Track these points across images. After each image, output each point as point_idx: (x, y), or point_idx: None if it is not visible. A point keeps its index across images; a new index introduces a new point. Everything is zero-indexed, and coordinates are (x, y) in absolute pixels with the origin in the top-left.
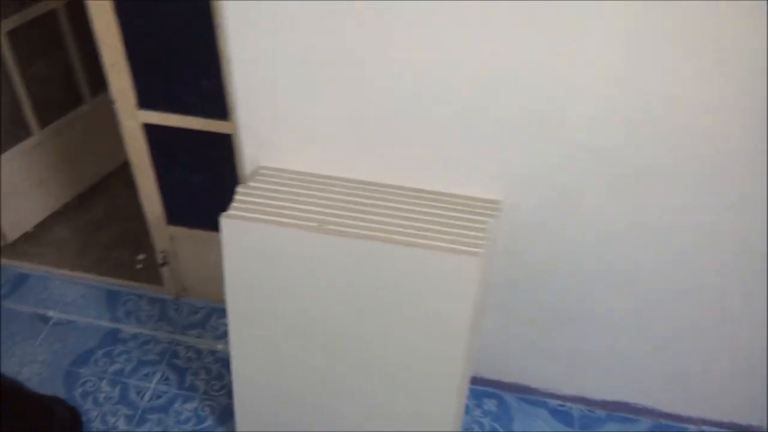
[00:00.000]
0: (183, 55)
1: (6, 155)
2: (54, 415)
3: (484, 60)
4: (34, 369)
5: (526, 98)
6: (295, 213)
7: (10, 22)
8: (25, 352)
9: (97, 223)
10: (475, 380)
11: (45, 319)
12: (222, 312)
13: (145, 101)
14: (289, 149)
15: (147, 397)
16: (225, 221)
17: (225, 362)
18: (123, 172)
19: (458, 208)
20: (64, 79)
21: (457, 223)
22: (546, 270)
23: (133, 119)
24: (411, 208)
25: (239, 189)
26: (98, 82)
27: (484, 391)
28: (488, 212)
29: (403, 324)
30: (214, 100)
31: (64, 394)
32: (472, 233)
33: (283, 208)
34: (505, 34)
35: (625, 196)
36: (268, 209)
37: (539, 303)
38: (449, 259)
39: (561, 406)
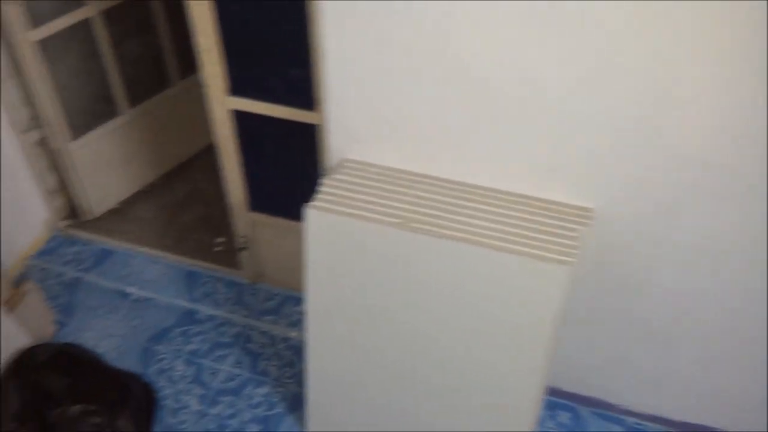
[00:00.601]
0: (275, 44)
1: (95, 132)
2: (131, 391)
3: (584, 62)
4: (113, 343)
5: (627, 104)
6: (380, 208)
7: (105, 2)
8: (105, 326)
9: (180, 204)
10: (550, 391)
11: (125, 295)
12: (296, 300)
13: (235, 87)
14: (377, 143)
15: (220, 378)
16: (309, 212)
17: (297, 350)
18: (207, 155)
19: (549, 214)
20: (154, 60)
21: (548, 229)
22: (635, 284)
23: (222, 105)
24: (500, 211)
25: (324, 180)
26: (187, 65)
27: (559, 402)
28: (580, 220)
29: (484, 329)
30: (303, 90)
31: (140, 370)
32: (563, 241)
33: (367, 202)
34: (605, 36)
35: (726, 213)
36: (353, 202)
37: (625, 317)
38: (539, 266)
39: (638, 424)
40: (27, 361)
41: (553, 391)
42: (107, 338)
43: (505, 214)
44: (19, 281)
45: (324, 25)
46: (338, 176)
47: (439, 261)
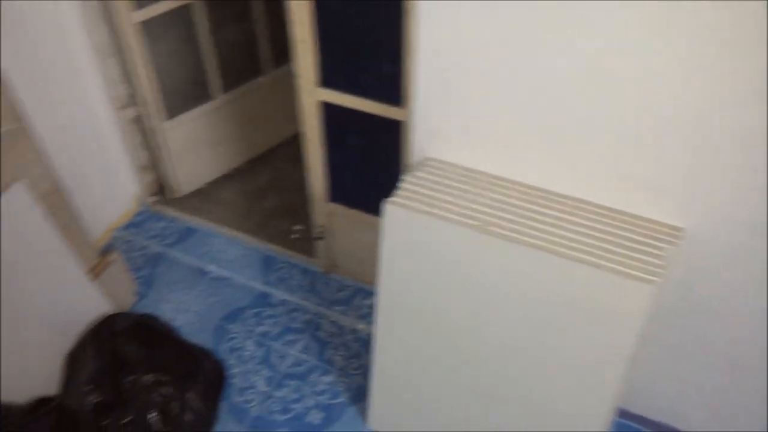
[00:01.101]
0: (368, 39)
1: (188, 114)
2: (202, 366)
3: (682, 76)
4: (188, 318)
5: (733, 120)
6: (458, 209)
7: None
8: (182, 301)
9: (262, 190)
10: (619, 412)
11: (204, 273)
12: (367, 293)
13: (326, 79)
14: (460, 143)
15: (288, 362)
16: (388, 207)
17: (364, 342)
18: (291, 144)
19: (636, 230)
20: (249, 48)
21: (634, 245)
22: (720, 310)
23: (311, 95)
24: (584, 222)
25: (405, 177)
26: (280, 54)
27: (627, 425)
28: (668, 239)
29: (558, 342)
30: (392, 86)
31: (212, 346)
32: (649, 259)
33: (446, 202)
34: (714, 47)
35: None
36: (432, 201)
37: (705, 344)
38: (621, 283)
39: None
40: (106, 328)
41: (622, 413)
42: (184, 312)
43: (589, 226)
44: (105, 251)
45: (417, 22)
46: (419, 174)
47: (515, 268)
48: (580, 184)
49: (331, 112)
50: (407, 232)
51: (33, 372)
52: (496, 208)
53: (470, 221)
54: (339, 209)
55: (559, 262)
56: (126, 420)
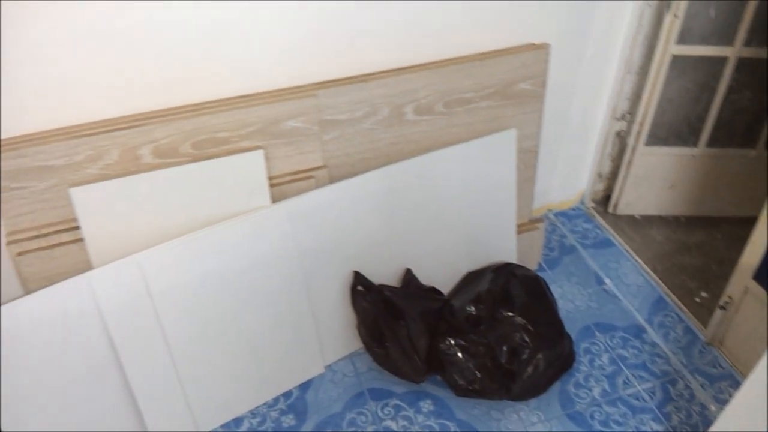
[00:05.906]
0: None
1: (665, 149)
2: (563, 343)
3: None
4: (567, 306)
5: None
6: None
7: (751, 51)
8: (570, 292)
9: (688, 246)
10: None
11: (600, 281)
12: (735, 382)
13: None
14: None
15: (629, 391)
16: None
17: (706, 422)
18: (737, 224)
19: None
20: (753, 118)
21: None
22: None
23: None
24: None
25: None
26: None
27: None
28: None
29: None
30: None
31: (573, 338)
32: None
33: None
34: None
35: None
36: None
37: None
38: None
39: None
40: (508, 269)
41: None
42: (566, 301)
43: None
44: (534, 219)
45: None
46: None
47: None
48: None
49: None
50: None
51: (441, 272)
52: None
53: None
54: (757, 290)
55: None
56: (484, 340)
